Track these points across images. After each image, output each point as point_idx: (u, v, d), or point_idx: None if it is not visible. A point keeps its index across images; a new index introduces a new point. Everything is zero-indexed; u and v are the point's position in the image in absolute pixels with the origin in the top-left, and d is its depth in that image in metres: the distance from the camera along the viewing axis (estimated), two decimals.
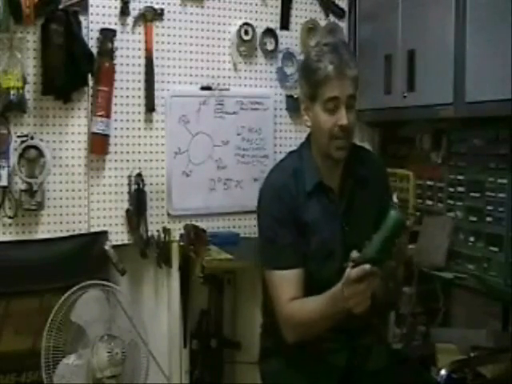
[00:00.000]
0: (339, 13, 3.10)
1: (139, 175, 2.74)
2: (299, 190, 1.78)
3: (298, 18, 3.04)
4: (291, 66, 3.02)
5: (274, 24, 2.99)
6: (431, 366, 2.25)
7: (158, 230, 2.78)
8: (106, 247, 2.67)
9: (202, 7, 2.86)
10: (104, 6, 2.67)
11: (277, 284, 1.75)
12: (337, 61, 1.68)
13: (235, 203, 2.93)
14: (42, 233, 2.61)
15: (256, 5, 2.96)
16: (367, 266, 1.48)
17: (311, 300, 1.68)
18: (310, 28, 3.04)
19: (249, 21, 2.92)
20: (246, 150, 2.95)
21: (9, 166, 2.50)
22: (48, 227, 2.62)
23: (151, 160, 2.79)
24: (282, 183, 1.79)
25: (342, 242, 1.78)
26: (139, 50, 2.74)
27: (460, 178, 2.57)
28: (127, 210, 2.74)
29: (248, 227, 2.95)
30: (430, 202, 2.76)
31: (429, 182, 2.77)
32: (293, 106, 3.01)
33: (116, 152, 2.73)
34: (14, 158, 2.50)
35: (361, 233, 1.78)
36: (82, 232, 2.67)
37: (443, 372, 2.01)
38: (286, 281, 1.73)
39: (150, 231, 2.75)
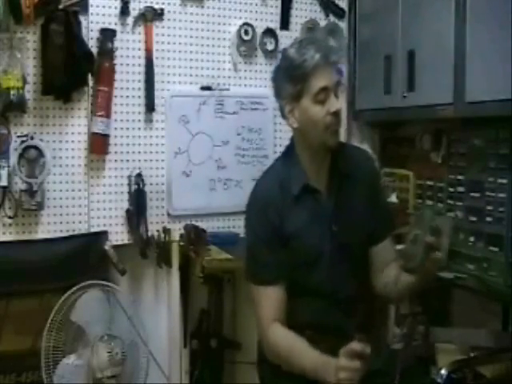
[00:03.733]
0: (339, 13, 3.09)
1: (139, 175, 2.74)
2: (285, 199, 1.77)
3: (298, 18, 3.03)
4: None
5: (274, 24, 2.99)
6: (431, 365, 2.25)
7: (157, 230, 2.78)
8: (106, 247, 2.67)
9: (202, 7, 2.86)
10: (104, 6, 2.67)
11: (258, 300, 1.78)
12: (320, 49, 1.68)
13: (235, 203, 2.92)
14: (42, 233, 2.61)
15: (256, 5, 2.96)
16: (368, 349, 1.51)
17: (299, 346, 1.69)
18: (310, 28, 3.03)
19: (249, 21, 2.92)
20: (246, 150, 2.95)
21: (9, 166, 2.50)
22: (48, 227, 2.62)
23: (151, 160, 2.79)
24: (267, 196, 1.79)
25: (330, 243, 1.79)
26: (139, 50, 2.74)
27: (460, 177, 2.56)
28: (127, 210, 2.74)
29: None
30: (430, 202, 2.76)
31: (429, 182, 2.76)
32: None
33: (116, 152, 2.72)
34: (14, 158, 2.50)
35: (350, 231, 1.80)
36: (82, 232, 2.67)
37: (443, 372, 2.01)
38: (267, 298, 1.76)
39: (149, 231, 2.75)
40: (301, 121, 1.75)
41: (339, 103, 1.72)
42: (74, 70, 2.54)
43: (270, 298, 1.75)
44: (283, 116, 1.81)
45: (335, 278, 1.79)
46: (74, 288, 2.45)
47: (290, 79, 1.72)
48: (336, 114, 1.71)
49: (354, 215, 1.81)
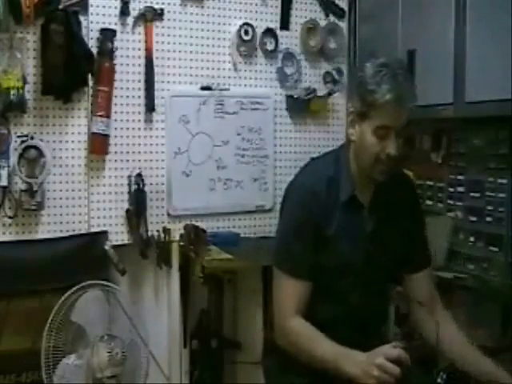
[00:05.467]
0: (339, 13, 3.10)
1: (139, 175, 2.74)
2: (329, 202, 1.73)
3: (298, 17, 3.03)
4: (291, 66, 3.02)
5: (274, 24, 2.99)
6: (431, 366, 2.25)
7: (158, 230, 2.77)
8: (106, 247, 2.66)
9: (202, 7, 2.86)
10: (104, 6, 2.67)
11: (283, 288, 1.75)
12: (396, 89, 1.60)
13: (235, 203, 2.93)
14: (41, 233, 2.61)
15: (256, 5, 2.96)
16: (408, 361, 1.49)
17: (322, 338, 1.66)
18: (310, 28, 3.04)
19: (249, 21, 2.92)
20: (246, 150, 2.95)
21: (9, 166, 2.49)
22: (48, 227, 2.61)
23: (151, 160, 2.79)
24: (313, 190, 1.73)
25: (363, 261, 1.76)
26: (139, 49, 2.74)
27: (460, 178, 2.57)
28: (127, 210, 2.73)
29: (248, 227, 2.96)
30: (429, 202, 2.76)
31: (429, 182, 2.77)
32: (293, 106, 3.02)
33: (116, 152, 2.72)
34: (14, 158, 2.50)
35: (384, 253, 1.78)
36: (82, 232, 2.67)
37: (443, 372, 2.01)
38: (294, 290, 1.73)
39: (150, 231, 2.75)
40: (358, 139, 1.70)
41: (397, 147, 1.65)
42: (73, 70, 2.54)
43: (296, 290, 1.72)
44: (346, 123, 1.78)
45: (360, 293, 1.78)
46: (74, 288, 2.44)
47: (360, 97, 1.66)
48: (390, 156, 1.65)
49: (390, 239, 1.78)
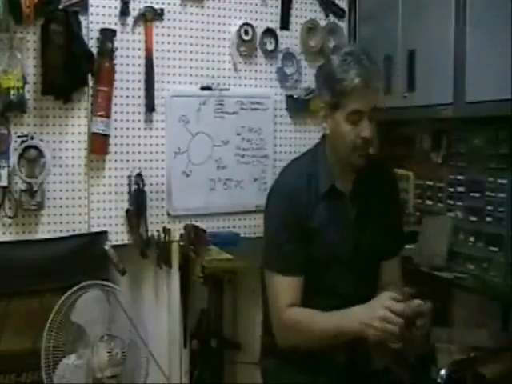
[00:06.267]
0: (339, 13, 3.10)
1: (139, 175, 2.74)
2: (311, 196, 1.76)
3: (298, 17, 3.04)
4: (291, 66, 3.03)
5: (274, 24, 2.99)
6: (431, 365, 2.25)
7: (158, 230, 2.78)
8: (106, 247, 2.67)
9: (202, 7, 2.86)
10: (104, 6, 2.67)
11: (277, 288, 1.76)
12: (363, 73, 1.65)
13: (235, 203, 2.93)
14: (41, 233, 2.61)
15: (256, 5, 2.96)
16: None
17: (320, 313, 1.69)
18: (310, 28, 3.04)
19: (249, 21, 2.92)
20: (246, 150, 2.95)
21: (9, 166, 2.50)
22: (48, 227, 2.62)
23: (151, 160, 2.79)
24: (295, 187, 1.77)
25: (350, 248, 1.78)
26: (139, 49, 2.74)
27: (460, 177, 2.57)
28: (127, 210, 2.74)
29: (248, 227, 2.96)
30: (429, 202, 2.76)
31: (429, 182, 2.77)
32: (293, 106, 3.02)
33: (116, 152, 2.73)
34: (14, 158, 2.50)
35: (369, 240, 1.80)
36: (82, 232, 2.67)
37: (443, 372, 2.01)
38: (287, 286, 1.74)
39: (150, 231, 2.75)
40: (332, 131, 1.75)
41: (370, 129, 1.70)
42: (74, 70, 2.55)
43: (289, 287, 1.74)
44: (319, 118, 1.81)
45: (350, 281, 1.79)
46: (74, 288, 2.44)
47: (329, 89, 1.71)
48: (366, 140, 1.70)
49: (373, 226, 1.81)
